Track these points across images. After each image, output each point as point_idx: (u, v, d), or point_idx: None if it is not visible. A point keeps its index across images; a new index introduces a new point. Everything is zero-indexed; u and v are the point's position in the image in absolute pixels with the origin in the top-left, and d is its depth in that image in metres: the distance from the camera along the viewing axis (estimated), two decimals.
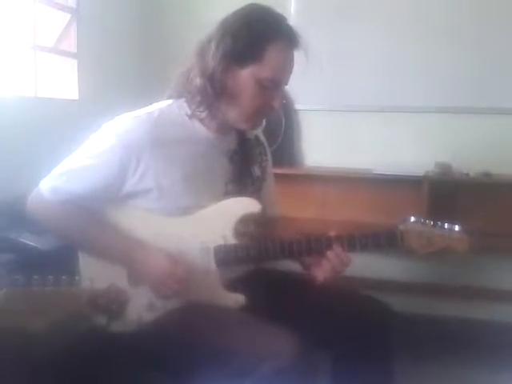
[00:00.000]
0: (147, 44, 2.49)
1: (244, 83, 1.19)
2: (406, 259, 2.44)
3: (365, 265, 2.39)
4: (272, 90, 1.21)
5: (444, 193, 2.17)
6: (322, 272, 1.27)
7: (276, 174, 1.78)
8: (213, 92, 1.19)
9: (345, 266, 1.27)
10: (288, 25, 1.22)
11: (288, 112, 2.43)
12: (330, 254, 1.26)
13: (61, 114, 1.99)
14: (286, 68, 1.22)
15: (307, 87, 2.42)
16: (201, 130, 1.28)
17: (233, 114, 1.23)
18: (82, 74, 2.14)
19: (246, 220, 1.31)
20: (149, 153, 1.20)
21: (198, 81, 1.20)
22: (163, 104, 1.28)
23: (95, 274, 1.21)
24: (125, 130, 1.21)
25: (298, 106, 2.47)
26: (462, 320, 2.34)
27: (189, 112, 1.25)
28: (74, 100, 2.13)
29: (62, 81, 2.13)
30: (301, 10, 2.37)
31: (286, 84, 1.26)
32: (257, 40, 1.17)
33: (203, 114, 1.25)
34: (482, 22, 2.26)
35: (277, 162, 2.30)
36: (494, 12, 2.24)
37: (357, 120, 2.44)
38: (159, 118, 1.24)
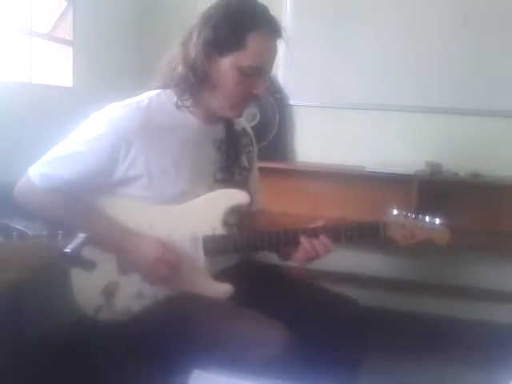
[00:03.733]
0: (143, 32, 2.49)
1: (226, 71, 1.21)
2: (391, 256, 2.47)
3: (351, 260, 2.44)
4: (254, 78, 1.23)
5: (433, 192, 2.19)
6: (302, 255, 1.29)
7: (268, 169, 1.81)
8: (195, 80, 1.22)
9: (326, 250, 1.28)
10: (269, 14, 1.24)
11: (282, 107, 2.44)
12: (306, 240, 1.28)
13: (55, 100, 1.98)
14: (267, 56, 1.24)
15: (302, 83, 2.44)
16: (189, 119, 1.30)
17: (217, 102, 1.26)
18: (77, 61, 2.13)
19: (234, 211, 1.33)
20: (139, 140, 1.22)
21: (180, 69, 1.23)
22: (152, 93, 1.30)
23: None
24: (116, 118, 1.23)
25: (292, 102, 2.48)
26: (444, 318, 2.38)
27: (177, 101, 1.27)
28: (69, 87, 2.12)
29: (57, 68, 2.12)
30: (296, 7, 2.37)
31: (269, 72, 1.29)
32: (237, 28, 1.19)
33: (188, 103, 1.27)
34: (474, 24, 2.29)
35: (270, 157, 2.34)
36: (485, 14, 2.27)
37: (350, 117, 2.45)
38: (148, 106, 1.26)
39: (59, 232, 0.98)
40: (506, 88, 2.28)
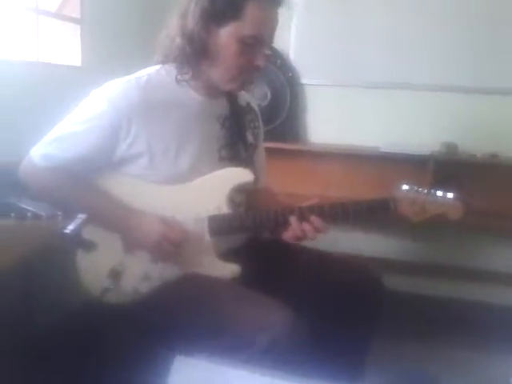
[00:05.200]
0: (151, 10, 2.44)
1: (225, 42, 1.17)
2: (401, 237, 2.43)
3: (359, 241, 2.40)
4: (255, 49, 1.19)
5: (449, 173, 2.13)
6: (290, 234, 1.25)
7: (280, 150, 1.77)
8: (193, 52, 1.18)
9: (316, 232, 1.24)
10: None
11: (293, 86, 2.39)
12: (295, 220, 1.24)
13: (63, 80, 1.95)
14: (267, 25, 1.20)
15: (314, 61, 2.38)
16: (190, 94, 1.26)
17: (217, 75, 1.22)
18: (85, 39, 2.10)
19: (240, 190, 1.30)
20: (140, 116, 1.20)
21: (178, 41, 1.19)
22: (152, 69, 1.27)
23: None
24: (115, 95, 1.20)
25: (304, 81, 2.42)
26: (454, 300, 2.34)
27: (177, 76, 1.24)
28: (77, 66, 2.09)
29: (65, 46, 2.10)
30: None
31: (270, 43, 1.24)
32: None
33: (187, 76, 1.23)
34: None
35: (281, 138, 2.30)
36: None
37: (364, 96, 2.39)
38: (148, 82, 1.23)
39: (59, 213, 0.96)
40: None
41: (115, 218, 1.24)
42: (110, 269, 1.23)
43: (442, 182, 2.09)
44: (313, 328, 1.14)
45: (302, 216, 1.24)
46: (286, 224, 1.25)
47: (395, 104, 2.37)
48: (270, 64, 2.31)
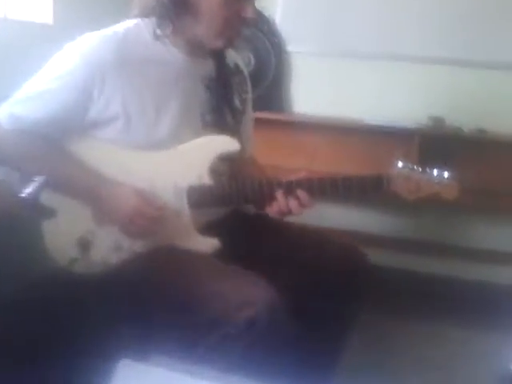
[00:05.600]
0: None
1: None
2: (391, 214, 2.40)
3: (346, 217, 2.36)
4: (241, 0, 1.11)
5: (435, 147, 2.09)
6: (273, 209, 1.19)
7: (263, 120, 1.69)
8: (172, 2, 1.09)
9: (301, 207, 1.18)
10: None
11: (279, 53, 2.29)
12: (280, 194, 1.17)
13: (33, 38, 1.83)
14: None
15: (302, 28, 2.29)
16: (171, 51, 1.17)
17: (200, 30, 1.12)
18: None
19: (223, 159, 1.23)
20: (115, 74, 1.10)
21: None
22: (130, 23, 1.17)
23: (58, 212, 1.13)
24: (88, 49, 1.11)
25: (290, 48, 2.32)
26: (444, 278, 2.33)
27: (155, 30, 1.14)
28: (49, 24, 1.96)
29: (36, 3, 1.96)
30: None
31: None
32: None
33: (168, 31, 1.13)
34: None
35: (264, 107, 2.21)
36: None
37: (351, 67, 2.32)
38: (126, 36, 1.13)
39: (16, 176, 0.87)
40: None
41: (86, 188, 1.15)
42: (79, 237, 1.15)
43: (429, 156, 2.05)
44: (294, 306, 1.08)
45: (289, 190, 1.17)
46: (271, 198, 1.18)
47: (383, 75, 2.30)
48: (255, 29, 2.21)
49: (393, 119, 2.18)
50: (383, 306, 2.04)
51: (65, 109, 1.11)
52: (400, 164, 1.23)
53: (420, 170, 1.23)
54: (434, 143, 2.11)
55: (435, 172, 1.22)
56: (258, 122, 1.49)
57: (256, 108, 1.45)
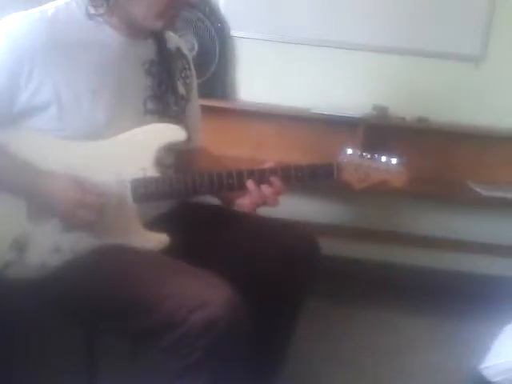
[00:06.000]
0: None
1: None
2: (338, 203, 2.41)
3: (303, 207, 2.35)
4: None
5: (379, 136, 2.11)
6: (248, 201, 1.15)
7: (207, 107, 1.63)
8: None
9: (276, 195, 1.15)
10: None
11: (223, 38, 2.21)
12: (253, 184, 1.14)
13: None
14: None
15: (246, 12, 2.22)
16: (107, 32, 1.08)
17: (138, 9, 1.04)
18: None
19: (169, 149, 1.15)
20: (44, 57, 1.00)
21: None
22: (60, 2, 1.07)
23: None
24: (13, 33, 1.00)
25: (234, 33, 2.25)
26: (391, 264, 2.37)
27: (88, 8, 1.05)
28: None
29: None
30: None
31: None
32: None
33: (102, 10, 1.04)
34: None
35: (208, 94, 2.13)
36: None
37: (296, 53, 2.27)
38: (55, 17, 1.04)
39: None
40: (459, 31, 2.18)
41: (20, 182, 1.05)
42: (13, 239, 1.05)
43: (373, 145, 2.06)
44: (247, 297, 1.03)
45: (260, 178, 1.13)
46: (240, 188, 1.13)
47: (328, 63, 2.27)
48: (198, 13, 2.11)
49: (339, 108, 2.16)
50: (333, 294, 2.06)
51: None
52: (349, 151, 1.21)
53: (369, 156, 1.21)
54: (379, 132, 2.12)
55: (383, 159, 1.21)
56: (202, 109, 1.43)
57: (200, 95, 1.39)
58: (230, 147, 2.21)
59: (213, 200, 1.26)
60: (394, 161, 1.21)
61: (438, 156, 2.28)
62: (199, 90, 1.38)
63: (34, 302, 1.08)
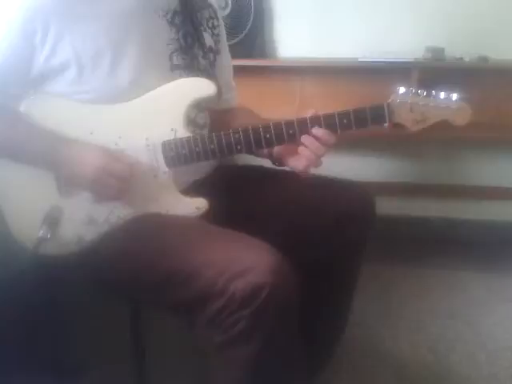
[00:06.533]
0: None
1: None
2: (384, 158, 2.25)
3: (342, 165, 2.21)
4: None
5: (436, 81, 1.91)
6: (301, 161, 1.04)
7: (244, 67, 1.54)
8: None
9: (327, 147, 1.03)
10: None
11: None
12: (305, 137, 1.02)
13: None
14: None
15: None
16: None
17: None
18: None
19: (200, 107, 1.06)
20: (59, 14, 0.94)
21: None
22: None
23: (16, 187, 0.98)
24: None
25: None
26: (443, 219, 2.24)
27: None
28: None
29: None
30: None
31: None
32: None
33: None
34: None
35: (245, 54, 2.01)
36: None
37: (337, 0, 2.10)
38: None
39: None
40: None
41: (43, 152, 0.99)
42: (45, 214, 0.99)
43: (428, 90, 1.89)
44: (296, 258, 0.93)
45: (301, 130, 1.02)
46: (276, 143, 1.03)
47: (374, 7, 2.09)
48: None
49: (388, 54, 1.99)
50: (390, 254, 1.95)
51: (5, 64, 0.96)
52: (402, 90, 1.07)
53: (425, 94, 1.07)
54: (435, 76, 1.93)
55: (442, 95, 1.07)
56: (239, 70, 1.32)
57: (236, 55, 1.29)
58: (272, 109, 2.07)
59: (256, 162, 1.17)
60: (454, 96, 1.06)
61: (502, 99, 2.06)
62: (235, 50, 1.28)
63: (74, 277, 1.04)
